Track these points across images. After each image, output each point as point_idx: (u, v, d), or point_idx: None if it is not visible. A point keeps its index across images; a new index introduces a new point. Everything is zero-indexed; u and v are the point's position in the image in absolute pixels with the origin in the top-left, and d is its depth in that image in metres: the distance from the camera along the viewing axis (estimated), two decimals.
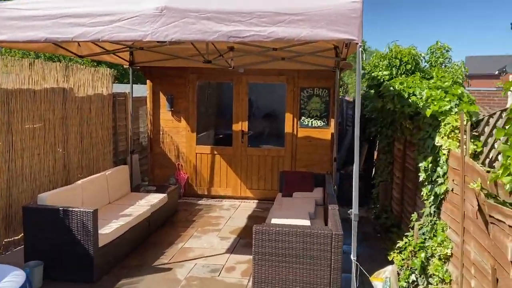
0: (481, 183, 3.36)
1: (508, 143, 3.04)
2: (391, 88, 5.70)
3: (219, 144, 9.13)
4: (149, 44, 6.63)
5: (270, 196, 8.75)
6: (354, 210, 4.17)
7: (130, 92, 8.08)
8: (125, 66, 8.21)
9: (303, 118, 8.58)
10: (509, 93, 7.98)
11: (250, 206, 8.45)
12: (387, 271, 4.34)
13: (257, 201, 8.79)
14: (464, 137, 4.25)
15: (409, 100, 5.19)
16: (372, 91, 6.99)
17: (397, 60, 6.41)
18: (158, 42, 4.31)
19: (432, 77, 5.99)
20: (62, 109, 6.89)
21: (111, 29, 4.20)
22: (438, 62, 6.45)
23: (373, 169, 9.05)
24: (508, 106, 4.30)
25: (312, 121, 8.54)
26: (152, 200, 6.81)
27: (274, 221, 5.29)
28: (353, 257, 4.13)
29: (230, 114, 9.04)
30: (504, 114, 3.79)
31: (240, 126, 8.79)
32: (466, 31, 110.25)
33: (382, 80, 6.15)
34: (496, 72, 32.13)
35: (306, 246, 4.24)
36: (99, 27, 4.22)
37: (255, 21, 4.04)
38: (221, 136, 9.98)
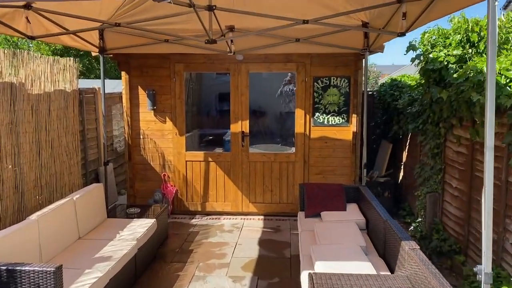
0: None
1: None
2: (471, 72, 4.20)
3: (205, 148, 7.46)
4: (129, 18, 4.89)
5: (279, 211, 7.20)
6: (485, 267, 2.63)
7: (102, 87, 6.27)
8: (93, 54, 6.39)
9: (317, 114, 7.00)
10: None
11: (256, 225, 6.84)
12: None
13: (263, 217, 7.18)
14: None
15: (508, 88, 3.71)
16: (422, 77, 5.46)
17: (475, 35, 4.87)
18: None
19: None
20: (10, 111, 5.08)
21: None
22: (510, 38, 5.02)
23: (400, 175, 7.62)
24: None
25: (328, 118, 6.98)
26: (138, 229, 5.10)
27: (320, 267, 3.72)
28: None
29: (214, 111, 7.41)
30: None
31: (240, 126, 7.13)
32: None
33: (446, 63, 4.68)
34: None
35: None
36: None
37: None
38: (210, 137, 8.36)
